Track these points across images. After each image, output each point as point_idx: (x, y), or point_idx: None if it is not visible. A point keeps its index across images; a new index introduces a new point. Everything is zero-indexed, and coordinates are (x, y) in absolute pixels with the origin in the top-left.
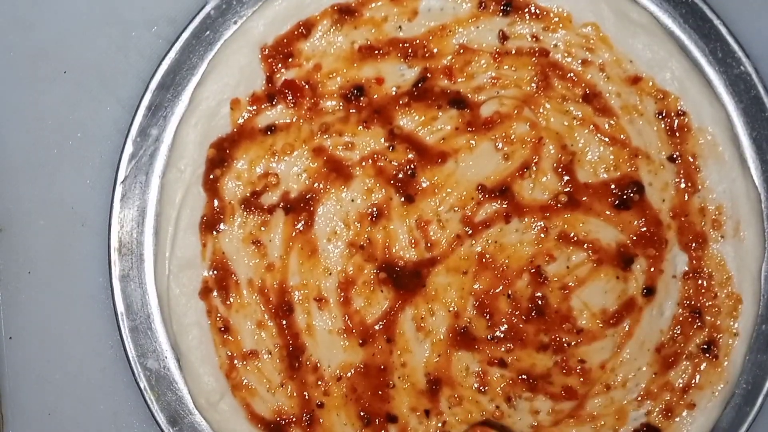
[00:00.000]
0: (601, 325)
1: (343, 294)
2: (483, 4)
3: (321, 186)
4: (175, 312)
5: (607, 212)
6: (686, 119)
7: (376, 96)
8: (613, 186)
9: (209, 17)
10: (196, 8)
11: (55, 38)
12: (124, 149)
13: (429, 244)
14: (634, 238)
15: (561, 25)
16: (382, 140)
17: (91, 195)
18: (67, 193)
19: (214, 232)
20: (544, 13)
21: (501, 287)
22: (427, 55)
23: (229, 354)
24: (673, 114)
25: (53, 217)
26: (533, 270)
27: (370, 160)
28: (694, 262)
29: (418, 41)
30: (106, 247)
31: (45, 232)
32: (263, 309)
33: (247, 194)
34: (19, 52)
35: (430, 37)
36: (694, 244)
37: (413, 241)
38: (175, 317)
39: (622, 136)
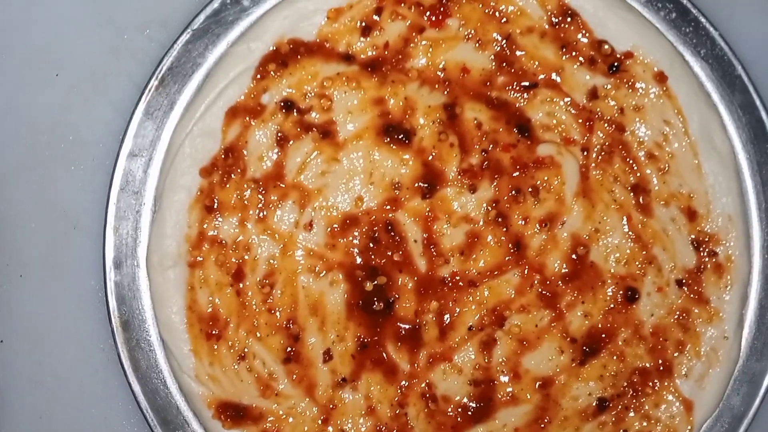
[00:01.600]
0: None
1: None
2: (592, 60)
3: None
4: (174, 168)
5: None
6: (715, 260)
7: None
8: (609, 281)
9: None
10: (188, 11)
11: (47, 41)
12: (119, 153)
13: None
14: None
15: (651, 112)
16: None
17: (83, 198)
18: (59, 196)
19: (248, 118)
20: (641, 92)
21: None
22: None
23: (201, 230)
24: (707, 251)
25: (45, 220)
26: (494, 317)
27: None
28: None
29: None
30: (98, 250)
31: (37, 235)
32: (256, 204)
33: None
34: (11, 55)
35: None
36: (659, 368)
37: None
38: (171, 176)
39: (649, 239)
